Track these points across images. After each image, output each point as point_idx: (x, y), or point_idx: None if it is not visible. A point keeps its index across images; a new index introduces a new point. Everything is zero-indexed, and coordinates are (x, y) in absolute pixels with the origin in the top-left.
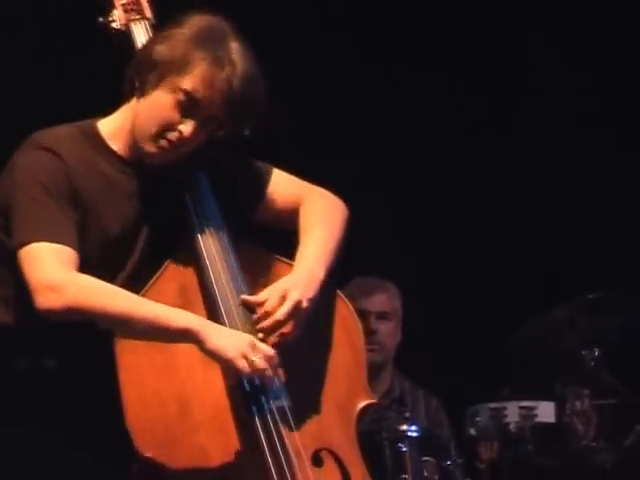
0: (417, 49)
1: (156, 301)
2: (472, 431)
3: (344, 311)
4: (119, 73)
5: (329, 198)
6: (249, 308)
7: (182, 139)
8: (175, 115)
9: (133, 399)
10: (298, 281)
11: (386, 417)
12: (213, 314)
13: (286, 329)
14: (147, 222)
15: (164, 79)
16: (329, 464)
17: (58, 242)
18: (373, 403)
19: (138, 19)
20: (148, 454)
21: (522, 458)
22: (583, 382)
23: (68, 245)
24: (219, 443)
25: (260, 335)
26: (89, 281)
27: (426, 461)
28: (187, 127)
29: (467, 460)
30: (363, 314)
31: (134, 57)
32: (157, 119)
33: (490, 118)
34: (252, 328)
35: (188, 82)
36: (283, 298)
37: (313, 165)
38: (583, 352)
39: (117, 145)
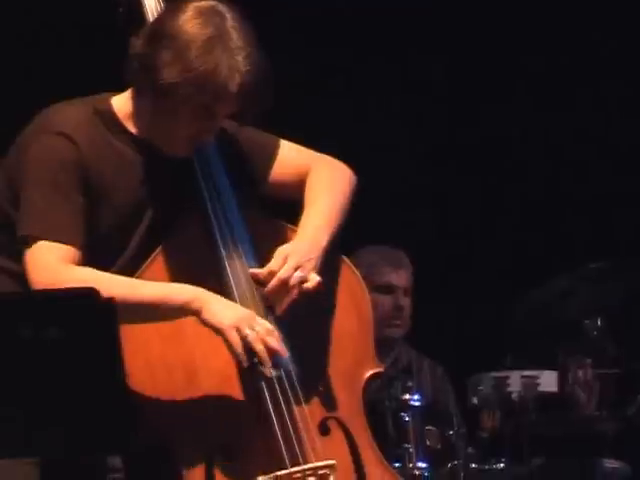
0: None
1: (162, 273)
2: (474, 400)
3: (351, 279)
4: (127, 45)
5: (336, 166)
6: (258, 282)
7: (208, 139)
8: (200, 125)
9: (139, 366)
10: (300, 246)
11: (391, 387)
12: (224, 288)
13: (291, 292)
14: (156, 202)
15: (178, 99)
16: (336, 433)
17: (60, 241)
18: (380, 372)
19: None
20: (154, 421)
21: (524, 427)
22: (585, 351)
23: (70, 244)
24: (225, 411)
25: (267, 304)
26: (85, 273)
27: (429, 430)
28: (212, 130)
29: (469, 429)
30: (391, 289)
31: (140, 64)
32: (183, 131)
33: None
34: (261, 303)
35: (208, 97)
36: (285, 260)
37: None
38: (585, 321)
39: (132, 126)
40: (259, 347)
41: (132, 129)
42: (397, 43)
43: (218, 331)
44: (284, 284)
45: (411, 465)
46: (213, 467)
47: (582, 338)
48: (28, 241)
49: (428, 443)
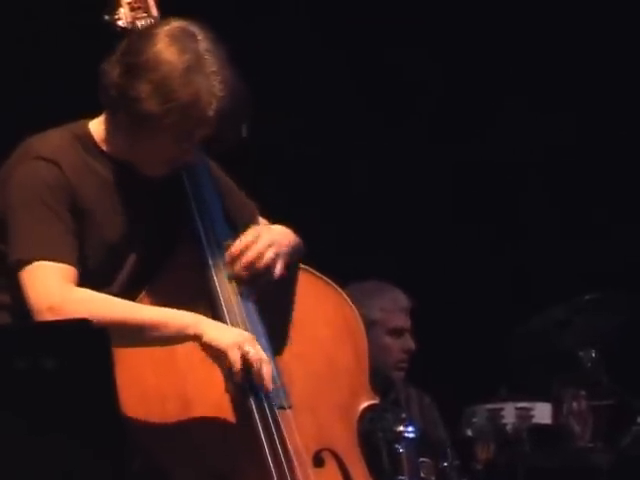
0: None
1: (158, 299)
2: (469, 432)
3: (346, 311)
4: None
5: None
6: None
7: (186, 162)
8: (179, 148)
9: (134, 396)
10: (273, 228)
11: (382, 418)
12: (215, 312)
13: (262, 270)
14: (143, 223)
15: (158, 127)
16: (330, 465)
17: (56, 260)
18: (375, 404)
19: (144, 17)
20: (149, 452)
21: (519, 459)
22: (580, 383)
23: (67, 262)
24: (219, 442)
25: (239, 291)
26: (86, 295)
27: (423, 462)
28: (190, 153)
29: (464, 461)
30: (402, 332)
31: (116, 94)
32: (161, 156)
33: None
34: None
35: (190, 124)
36: (259, 236)
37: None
38: (580, 353)
39: (110, 148)
40: (257, 367)
41: (110, 151)
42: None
43: (218, 352)
44: (259, 258)
45: None
46: None
47: (577, 369)
48: (23, 264)
49: (422, 475)
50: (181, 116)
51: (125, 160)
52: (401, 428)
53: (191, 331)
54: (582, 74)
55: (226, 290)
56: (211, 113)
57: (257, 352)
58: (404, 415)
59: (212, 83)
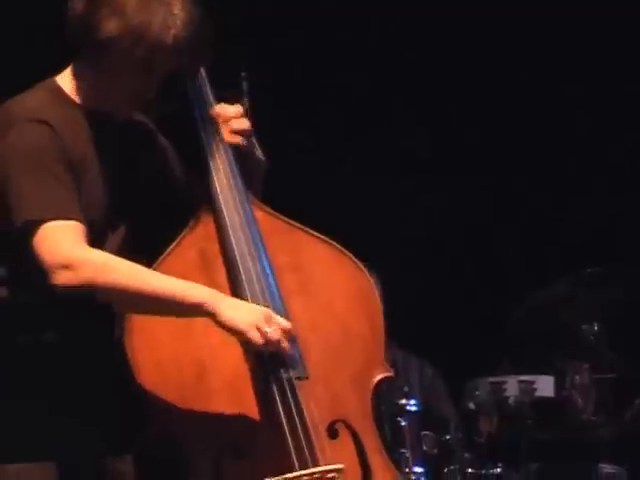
0: None
1: (175, 268)
2: (471, 405)
3: (363, 283)
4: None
5: None
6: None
7: (150, 97)
8: (140, 80)
9: (149, 363)
10: None
11: (384, 390)
12: (234, 280)
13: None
14: (131, 175)
15: (118, 54)
16: (344, 436)
17: (67, 218)
18: (390, 376)
19: None
20: (163, 420)
21: (521, 432)
22: (583, 356)
23: (77, 220)
24: (234, 410)
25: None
26: (104, 257)
27: (425, 435)
28: (152, 87)
29: (466, 434)
30: None
31: (79, 25)
32: (126, 91)
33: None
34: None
35: (144, 50)
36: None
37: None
38: (583, 326)
39: (81, 99)
40: (278, 345)
41: (81, 102)
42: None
43: (235, 332)
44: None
45: (408, 470)
46: (222, 464)
47: (579, 343)
48: (32, 226)
49: (425, 448)
50: (139, 40)
51: (96, 108)
52: (403, 401)
53: (206, 308)
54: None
55: (245, 258)
56: (169, 40)
57: (275, 330)
58: (406, 388)
59: (172, 11)
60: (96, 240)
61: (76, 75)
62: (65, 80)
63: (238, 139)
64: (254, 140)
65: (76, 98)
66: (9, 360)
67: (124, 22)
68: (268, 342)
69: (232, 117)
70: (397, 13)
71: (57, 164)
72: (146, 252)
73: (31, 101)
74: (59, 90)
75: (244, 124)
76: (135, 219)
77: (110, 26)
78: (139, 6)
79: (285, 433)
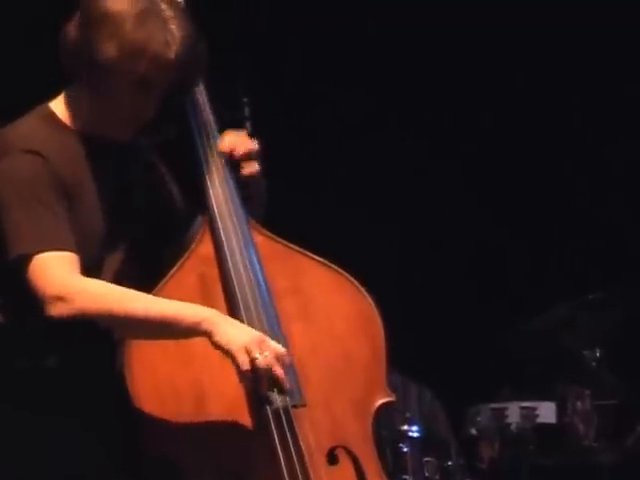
0: None
1: (176, 292)
2: (473, 431)
3: (362, 304)
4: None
5: None
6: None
7: (149, 119)
8: (141, 100)
9: (147, 388)
10: None
11: (386, 417)
12: (231, 306)
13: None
14: (126, 199)
15: (118, 76)
16: (344, 462)
17: (60, 249)
18: (391, 401)
19: None
20: (162, 447)
21: (523, 458)
22: (584, 382)
23: (69, 250)
24: (233, 438)
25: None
26: (96, 285)
27: (427, 461)
28: (152, 107)
29: (468, 460)
30: None
31: (75, 50)
32: (124, 112)
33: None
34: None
35: (145, 67)
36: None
37: None
38: (584, 352)
39: (76, 123)
40: (266, 373)
41: (77, 127)
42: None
43: (227, 353)
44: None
45: None
46: None
47: (581, 369)
48: (26, 259)
49: (427, 474)
50: (138, 59)
51: (93, 133)
52: (405, 427)
53: (203, 326)
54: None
55: (242, 283)
56: (169, 56)
57: (266, 357)
58: (408, 414)
59: (169, 26)
60: (93, 266)
61: (71, 101)
62: (59, 106)
63: (252, 168)
64: (258, 164)
65: (71, 124)
66: (9, 384)
67: (123, 43)
68: (254, 368)
69: (242, 153)
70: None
71: (49, 195)
72: (144, 276)
73: (24, 129)
74: (53, 116)
75: (252, 146)
76: (132, 243)
77: (109, 48)
78: (136, 25)
79: (280, 461)
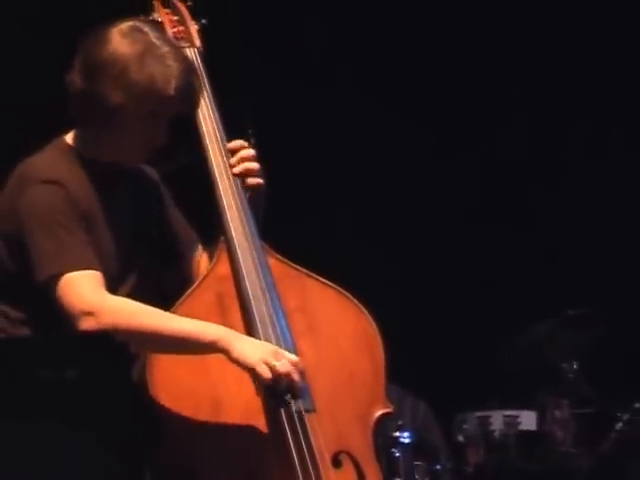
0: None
1: (195, 308)
2: (460, 437)
3: (365, 325)
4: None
5: None
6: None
7: (161, 143)
8: (150, 133)
9: (168, 396)
10: None
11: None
12: (248, 322)
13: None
14: (138, 222)
15: (126, 115)
16: (347, 466)
17: (86, 268)
18: (390, 412)
19: (187, 47)
20: (181, 449)
21: (506, 463)
22: (563, 392)
23: (94, 269)
24: (248, 440)
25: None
26: (123, 302)
27: (417, 465)
28: (162, 135)
29: (455, 464)
30: None
31: (83, 98)
32: (136, 143)
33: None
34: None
35: (153, 105)
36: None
37: None
38: (563, 365)
39: (93, 156)
40: (286, 378)
41: (91, 158)
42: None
43: (245, 367)
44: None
45: None
46: None
47: (560, 380)
48: (55, 279)
49: (417, 477)
50: (144, 99)
51: (106, 162)
52: (397, 434)
53: (221, 345)
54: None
55: (259, 301)
56: (172, 91)
57: (283, 364)
58: (400, 422)
59: (167, 63)
60: (111, 286)
61: (84, 136)
62: (74, 139)
63: (255, 182)
64: (262, 180)
65: (86, 154)
66: (30, 392)
67: (129, 88)
68: (276, 375)
69: (246, 158)
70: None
71: (71, 221)
72: (155, 292)
73: (44, 161)
74: (69, 148)
75: (254, 165)
76: (144, 262)
77: (116, 95)
78: (138, 67)
79: (294, 462)
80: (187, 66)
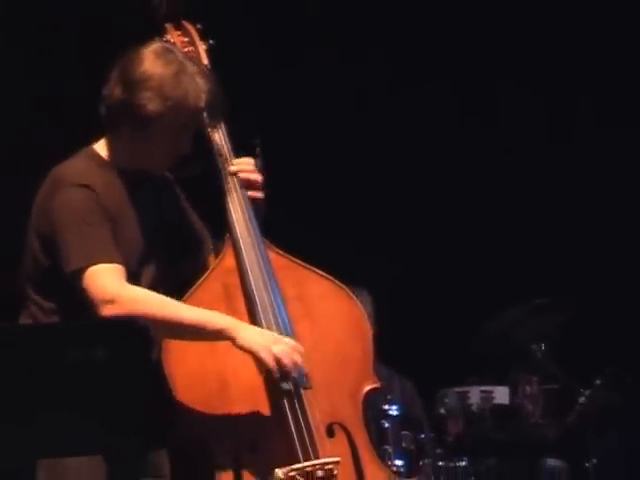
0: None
1: (204, 297)
2: (442, 410)
3: (355, 311)
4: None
5: None
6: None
7: (185, 152)
8: (178, 142)
9: (180, 376)
10: None
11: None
12: (251, 309)
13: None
14: (158, 222)
15: (161, 125)
16: (340, 435)
17: (109, 262)
18: (377, 387)
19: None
20: (191, 422)
21: (482, 433)
22: (532, 370)
23: (116, 262)
24: (251, 415)
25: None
26: (142, 292)
27: (404, 434)
28: (189, 143)
29: (438, 434)
30: None
31: (121, 108)
32: (164, 152)
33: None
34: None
35: (186, 117)
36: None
37: None
38: (532, 346)
39: (120, 163)
40: (286, 361)
41: (118, 165)
42: None
43: (250, 352)
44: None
45: (390, 463)
46: (241, 457)
47: (529, 360)
48: (82, 271)
49: (404, 445)
50: (179, 111)
51: (132, 169)
52: (386, 407)
53: (227, 333)
54: None
55: (260, 290)
56: (202, 104)
57: (283, 350)
58: (389, 396)
59: (197, 81)
60: (132, 278)
61: (113, 144)
62: (102, 148)
63: (257, 194)
64: (263, 190)
65: (112, 162)
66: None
67: (166, 100)
68: (277, 359)
69: (248, 171)
70: None
71: (98, 220)
72: (171, 285)
73: (75, 167)
74: (98, 156)
75: (257, 177)
76: (162, 258)
77: (154, 106)
78: (174, 84)
79: (292, 432)
80: (212, 83)
